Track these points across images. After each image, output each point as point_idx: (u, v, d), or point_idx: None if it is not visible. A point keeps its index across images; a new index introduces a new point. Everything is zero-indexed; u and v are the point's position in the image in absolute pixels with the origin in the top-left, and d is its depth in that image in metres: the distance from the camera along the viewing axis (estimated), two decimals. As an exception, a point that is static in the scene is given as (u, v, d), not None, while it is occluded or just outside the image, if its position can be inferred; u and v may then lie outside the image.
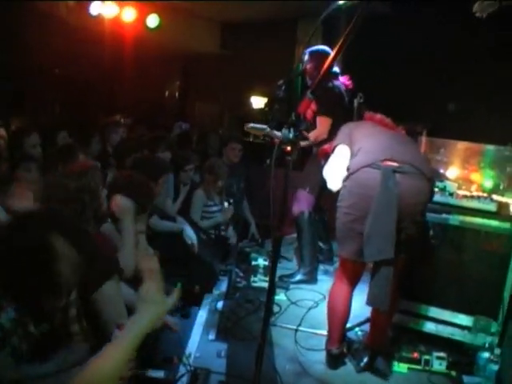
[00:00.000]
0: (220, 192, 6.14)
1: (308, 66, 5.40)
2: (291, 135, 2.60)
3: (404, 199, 3.33)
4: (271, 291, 2.88)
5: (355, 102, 5.16)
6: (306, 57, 5.41)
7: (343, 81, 5.46)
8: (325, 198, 5.43)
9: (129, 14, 9.55)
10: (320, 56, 5.20)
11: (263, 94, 10.07)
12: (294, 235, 6.11)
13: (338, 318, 3.84)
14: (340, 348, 3.88)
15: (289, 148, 2.65)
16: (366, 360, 3.84)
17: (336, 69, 5.45)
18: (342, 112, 5.26)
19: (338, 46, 2.60)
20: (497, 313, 3.93)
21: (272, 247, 2.91)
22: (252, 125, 4.95)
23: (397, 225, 3.34)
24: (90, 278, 2.65)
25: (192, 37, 10.68)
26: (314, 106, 5.13)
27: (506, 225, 3.90)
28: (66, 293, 2.22)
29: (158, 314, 2.12)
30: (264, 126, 4.78)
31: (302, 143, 5.06)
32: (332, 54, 2.66)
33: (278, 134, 5.00)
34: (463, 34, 6.56)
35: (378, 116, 3.92)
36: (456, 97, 7.38)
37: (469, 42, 6.84)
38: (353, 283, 3.80)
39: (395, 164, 3.39)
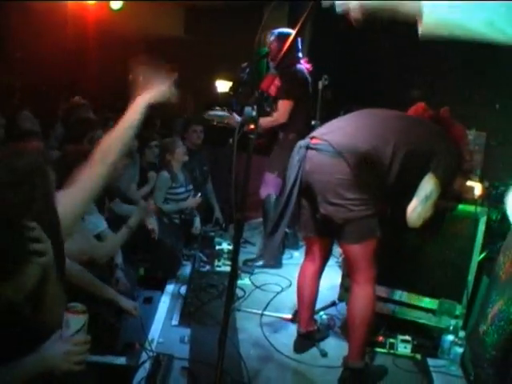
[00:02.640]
0: (184, 171, 6.05)
1: (272, 46, 5.35)
2: (254, 113, 2.54)
3: (313, 175, 3.35)
4: (233, 275, 2.84)
5: (320, 83, 5.13)
6: (273, 37, 5.36)
7: (303, 63, 5.42)
8: None
9: (92, -4, 9.41)
10: (286, 39, 5.14)
11: (228, 78, 10.02)
12: (259, 219, 6.13)
13: (303, 298, 3.84)
14: (307, 328, 3.88)
15: (252, 126, 2.60)
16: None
17: (299, 53, 5.42)
18: (305, 95, 5.28)
19: (296, 29, 2.58)
20: (461, 296, 3.92)
21: (234, 230, 2.86)
22: (212, 112, 4.88)
23: (312, 202, 3.45)
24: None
25: (156, 20, 10.58)
26: (277, 82, 5.10)
27: (471, 208, 3.89)
28: None
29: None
30: (224, 113, 4.72)
31: (263, 124, 5.01)
32: (291, 35, 2.64)
33: (239, 118, 5.00)
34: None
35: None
36: (422, 83, 7.38)
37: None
38: (316, 262, 3.79)
39: (314, 141, 3.39)
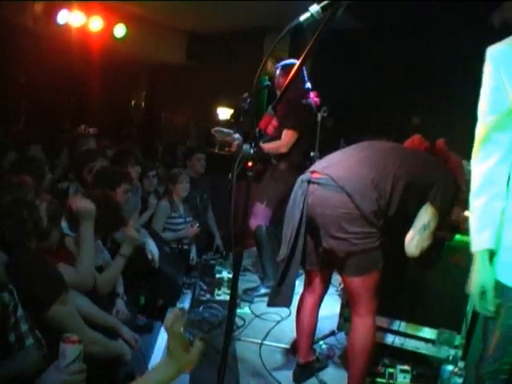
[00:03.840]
0: (185, 202, 6.09)
1: (280, 81, 5.36)
2: (252, 151, 2.58)
3: (315, 209, 3.38)
4: (232, 306, 2.86)
5: (319, 115, 5.17)
6: (278, 71, 5.41)
7: (312, 97, 5.46)
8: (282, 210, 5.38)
9: (96, 24, 9.52)
10: (291, 69, 5.20)
11: (230, 106, 10.10)
12: None
13: (302, 328, 3.86)
14: (306, 359, 3.89)
15: (250, 164, 2.63)
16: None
17: (308, 85, 5.46)
18: (306, 129, 5.34)
19: (301, 59, 2.62)
20: (460, 326, 3.95)
21: (233, 262, 2.89)
22: (218, 128, 4.91)
23: (314, 235, 3.48)
24: (38, 298, 2.62)
25: (158, 47, 10.69)
26: (275, 122, 5.17)
27: (469, 239, 3.89)
28: None
29: (180, 371, 2.06)
30: (230, 131, 4.76)
31: (265, 148, 5.16)
32: (296, 66, 2.68)
33: (238, 140, 5.04)
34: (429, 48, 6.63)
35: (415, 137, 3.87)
36: (422, 111, 7.44)
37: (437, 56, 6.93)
38: (316, 293, 3.82)
39: (315, 175, 3.43)
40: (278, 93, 5.36)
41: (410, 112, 7.57)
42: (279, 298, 3.64)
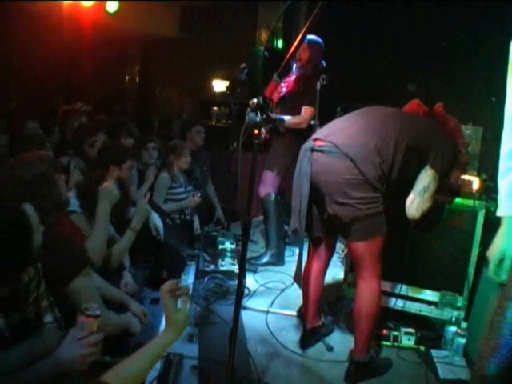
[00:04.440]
0: (185, 173, 6.12)
1: (302, 54, 5.35)
2: (258, 118, 2.61)
3: (319, 176, 3.42)
4: (242, 275, 2.92)
5: (318, 83, 5.19)
6: (303, 44, 5.28)
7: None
8: (286, 180, 5.44)
9: (88, -1, 9.45)
10: (316, 47, 5.38)
11: (224, 78, 10.07)
12: (260, 218, 6.21)
13: (309, 295, 3.92)
14: (312, 324, 3.97)
15: (256, 131, 2.67)
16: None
17: (324, 63, 5.49)
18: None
19: (302, 33, 2.66)
20: (462, 288, 4.03)
21: (242, 231, 2.94)
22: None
23: (319, 202, 3.53)
24: (62, 271, 2.66)
25: (151, 21, 10.60)
26: (280, 89, 5.21)
27: (469, 202, 3.97)
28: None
29: (178, 329, 2.23)
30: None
31: (287, 123, 5.24)
32: (297, 40, 2.71)
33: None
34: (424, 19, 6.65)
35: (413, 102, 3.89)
36: (417, 78, 7.45)
37: (431, 25, 6.94)
38: (321, 259, 3.88)
39: (318, 143, 3.46)
40: (297, 65, 5.45)
41: (405, 79, 7.57)
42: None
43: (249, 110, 2.60)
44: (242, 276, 2.88)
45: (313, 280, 3.89)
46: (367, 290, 3.48)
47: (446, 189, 3.82)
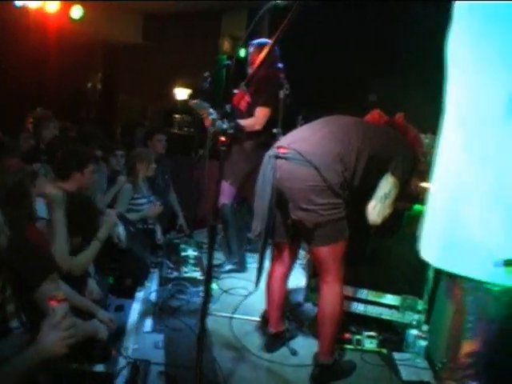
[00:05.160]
0: (147, 181, 6.13)
1: (254, 58, 5.31)
2: (225, 126, 2.66)
3: (283, 183, 3.48)
4: (208, 280, 2.97)
5: (281, 93, 5.20)
6: (252, 48, 5.37)
7: (282, 77, 5.40)
8: (248, 188, 5.36)
9: (52, 5, 9.48)
10: (264, 48, 5.23)
11: (187, 86, 10.08)
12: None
13: (272, 299, 3.97)
14: (277, 329, 4.01)
15: (223, 139, 2.72)
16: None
17: (280, 65, 5.45)
18: (277, 103, 5.27)
19: (273, 41, 2.72)
20: (422, 292, 4.13)
21: (208, 236, 3.00)
22: (197, 100, 4.90)
23: (283, 208, 3.58)
24: (29, 276, 2.68)
25: (115, 28, 10.62)
26: (247, 98, 5.19)
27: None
28: None
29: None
30: (208, 104, 4.78)
31: (240, 125, 5.06)
32: (267, 47, 2.77)
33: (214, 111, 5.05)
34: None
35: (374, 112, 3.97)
36: (378, 88, 7.55)
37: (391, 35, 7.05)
38: (284, 265, 3.93)
39: (282, 150, 3.51)
40: (251, 70, 5.31)
41: (366, 89, 7.68)
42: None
43: (215, 116, 2.64)
44: (209, 281, 2.94)
45: (276, 285, 3.94)
46: (330, 294, 3.54)
47: (406, 196, 3.91)
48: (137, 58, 11.33)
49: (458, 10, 1.87)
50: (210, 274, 2.99)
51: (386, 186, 3.53)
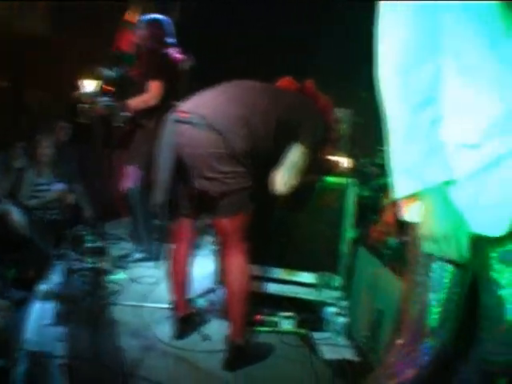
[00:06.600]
0: (51, 168, 5.90)
1: (143, 33, 5.19)
2: (115, 73, 2.48)
3: (184, 149, 3.28)
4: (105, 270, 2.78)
5: (183, 65, 5.07)
6: (141, 24, 5.23)
7: (175, 52, 5.28)
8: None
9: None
10: (155, 23, 5.19)
11: (95, 77, 9.83)
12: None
13: (177, 280, 3.79)
14: (185, 311, 3.83)
15: (110, 88, 2.53)
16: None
17: (172, 40, 5.29)
18: (170, 82, 5.16)
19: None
20: (338, 268, 4.01)
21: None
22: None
23: (185, 179, 3.39)
24: None
25: (20, 22, 10.23)
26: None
27: (340, 180, 3.99)
28: None
29: None
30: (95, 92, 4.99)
31: (133, 104, 5.01)
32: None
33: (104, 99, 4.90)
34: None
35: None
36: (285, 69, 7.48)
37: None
38: (186, 240, 3.75)
39: (183, 114, 3.30)
40: (139, 47, 5.22)
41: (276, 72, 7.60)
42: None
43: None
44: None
45: (181, 263, 3.75)
46: (235, 267, 3.38)
47: (317, 168, 3.82)
48: (44, 51, 10.96)
49: None
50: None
51: (294, 154, 3.38)
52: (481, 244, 1.82)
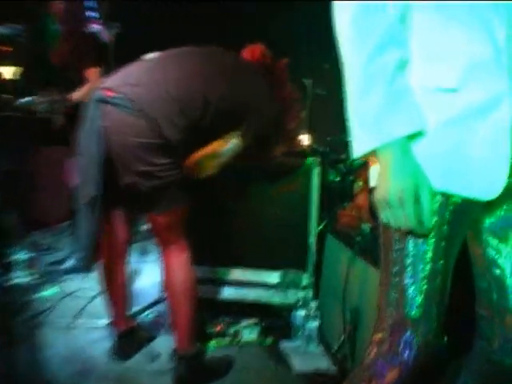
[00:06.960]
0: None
1: (59, 7, 4.73)
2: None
3: (111, 136, 2.76)
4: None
5: (111, 32, 4.80)
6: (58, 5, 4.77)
7: (96, 26, 4.87)
8: None
9: None
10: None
11: (14, 64, 9.40)
12: (66, 223, 5.68)
13: (115, 288, 3.31)
14: (126, 325, 3.36)
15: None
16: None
17: (92, 13, 4.86)
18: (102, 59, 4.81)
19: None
20: (306, 263, 3.60)
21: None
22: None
23: (114, 171, 2.86)
24: None
25: None
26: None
27: (301, 160, 3.61)
28: None
29: None
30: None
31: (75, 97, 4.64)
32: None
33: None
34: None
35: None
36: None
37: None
38: (120, 241, 3.30)
39: (109, 93, 2.76)
40: (60, 23, 4.80)
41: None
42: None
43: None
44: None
45: (117, 268, 3.28)
46: (174, 264, 3.02)
47: (271, 149, 3.39)
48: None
49: None
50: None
51: (226, 144, 2.99)
52: (469, 210, 1.63)
